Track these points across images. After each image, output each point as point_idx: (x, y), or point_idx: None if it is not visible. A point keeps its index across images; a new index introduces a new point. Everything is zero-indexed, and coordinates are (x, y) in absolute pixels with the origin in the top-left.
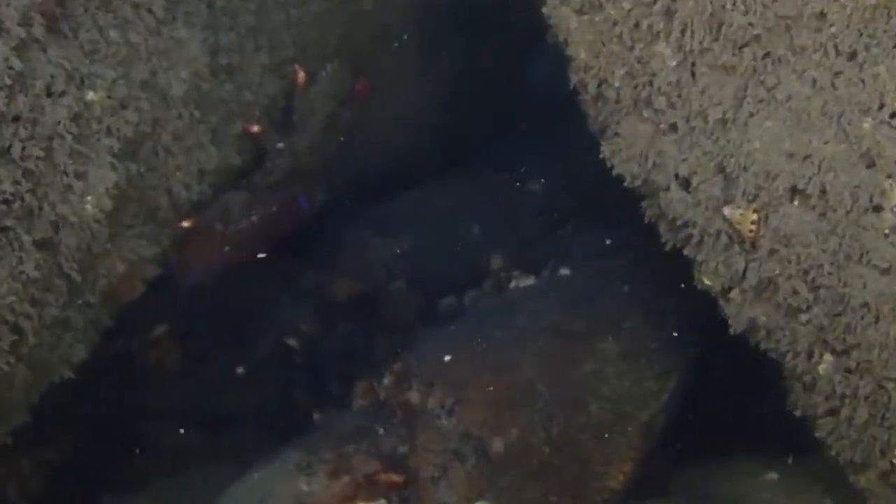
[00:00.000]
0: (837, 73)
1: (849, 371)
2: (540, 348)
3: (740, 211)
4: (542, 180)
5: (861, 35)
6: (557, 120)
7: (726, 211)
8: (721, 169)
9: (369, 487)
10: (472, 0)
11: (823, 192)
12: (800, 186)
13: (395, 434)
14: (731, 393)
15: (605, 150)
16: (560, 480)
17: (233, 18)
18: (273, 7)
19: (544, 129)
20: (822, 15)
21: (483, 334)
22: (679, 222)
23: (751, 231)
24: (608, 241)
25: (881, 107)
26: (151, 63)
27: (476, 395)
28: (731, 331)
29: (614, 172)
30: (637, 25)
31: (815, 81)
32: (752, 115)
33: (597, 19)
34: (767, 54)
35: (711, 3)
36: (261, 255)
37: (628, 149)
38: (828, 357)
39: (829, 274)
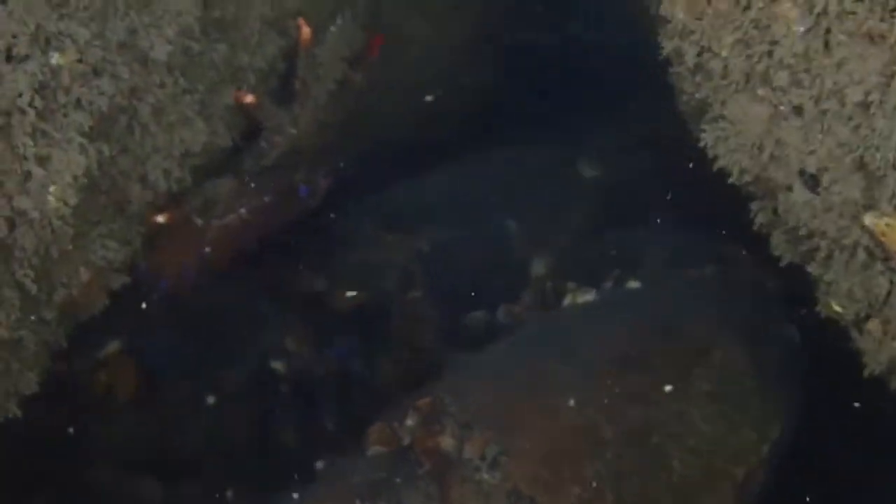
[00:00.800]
0: None
1: None
2: (606, 384)
3: (886, 220)
4: (601, 163)
5: None
6: (624, 86)
7: (867, 219)
8: (861, 165)
9: None
10: None
11: None
12: None
13: (423, 490)
14: (845, 447)
15: (707, 136)
16: None
17: None
18: None
19: (606, 97)
20: None
21: (533, 364)
22: (802, 232)
23: None
24: (688, 246)
25: None
26: (130, 18)
27: (526, 442)
28: (865, 372)
29: (716, 165)
30: None
31: None
32: None
33: None
34: None
35: None
36: (247, 256)
37: (737, 136)
38: None
39: None
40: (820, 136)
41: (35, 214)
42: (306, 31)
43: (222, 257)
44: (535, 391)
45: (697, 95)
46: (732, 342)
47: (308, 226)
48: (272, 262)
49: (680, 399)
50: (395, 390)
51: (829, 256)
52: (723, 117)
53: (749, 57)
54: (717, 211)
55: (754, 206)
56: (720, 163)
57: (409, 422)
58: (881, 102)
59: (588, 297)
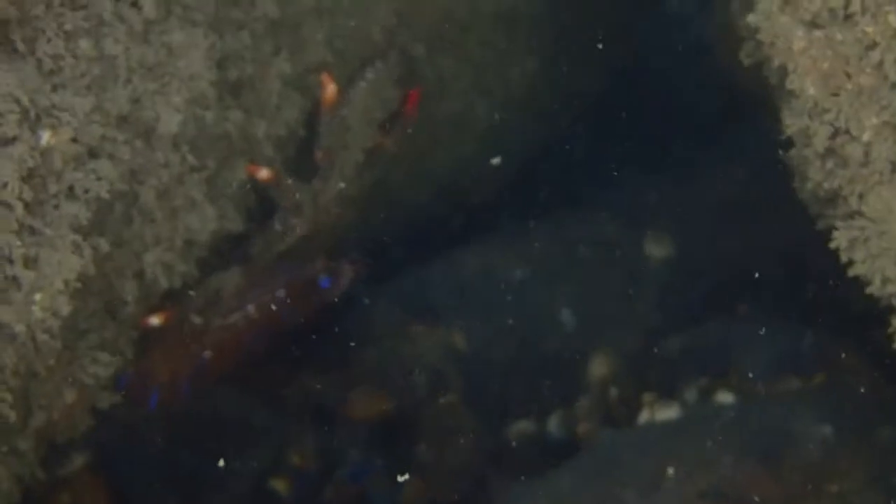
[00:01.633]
0: None
1: None
2: None
3: None
4: (673, 239)
5: None
6: (702, 142)
7: None
8: None
9: None
10: None
11: None
12: None
13: None
14: None
15: (840, 236)
16: None
17: (247, 8)
18: None
19: (681, 154)
20: None
21: (610, 494)
22: None
23: None
24: (790, 347)
25: None
26: (133, 84)
27: None
28: None
29: (851, 271)
30: None
31: None
32: None
33: (840, 38)
34: None
35: None
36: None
37: (880, 238)
38: None
39: None
40: None
41: (19, 328)
42: (331, 88)
43: (224, 363)
44: None
45: (826, 185)
46: (854, 469)
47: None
48: (274, 361)
49: None
50: None
51: None
52: (861, 214)
53: None
54: (824, 303)
55: (895, 321)
56: (857, 269)
57: None
58: None
59: (670, 412)
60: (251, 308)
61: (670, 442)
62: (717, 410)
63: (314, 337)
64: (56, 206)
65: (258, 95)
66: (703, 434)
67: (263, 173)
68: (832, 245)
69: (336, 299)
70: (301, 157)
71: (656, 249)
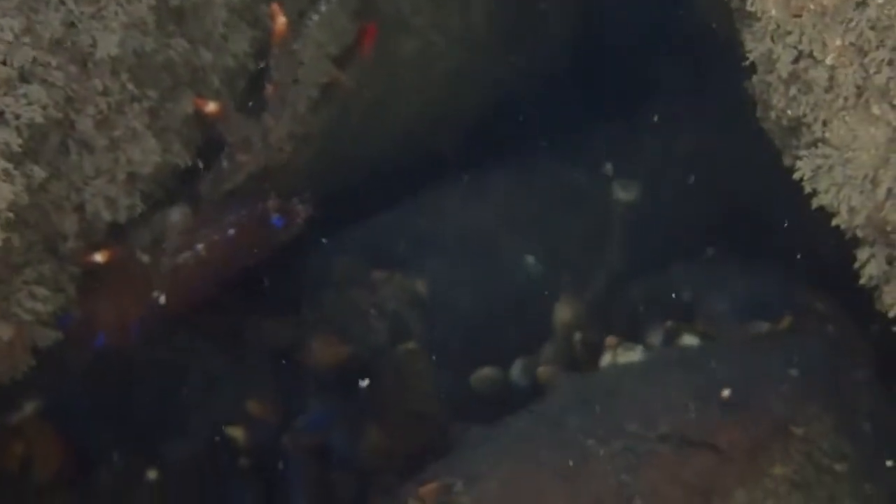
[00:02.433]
0: None
1: None
2: (660, 469)
3: None
4: (641, 183)
5: None
6: (670, 85)
7: None
8: None
9: None
10: None
11: None
12: None
13: None
14: None
15: (804, 165)
16: None
17: None
18: None
19: (648, 98)
20: None
21: (566, 443)
22: None
23: None
24: (756, 291)
25: None
26: (67, 7)
27: None
28: None
29: (815, 202)
30: None
31: None
32: None
33: None
34: None
35: None
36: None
37: (845, 166)
38: None
39: None
40: None
41: None
42: (281, 20)
43: (174, 304)
44: (571, 479)
45: (790, 112)
46: (818, 418)
47: (274, 261)
48: (229, 306)
49: (753, 489)
50: (385, 470)
51: None
52: (825, 141)
53: (863, 66)
54: (792, 246)
55: (862, 254)
56: (822, 200)
57: None
58: None
59: (633, 355)
60: (201, 247)
61: (632, 385)
62: (682, 354)
63: (269, 281)
64: None
65: (202, 24)
66: (665, 378)
67: (210, 107)
68: (796, 175)
69: (289, 239)
70: (252, 92)
71: (623, 193)
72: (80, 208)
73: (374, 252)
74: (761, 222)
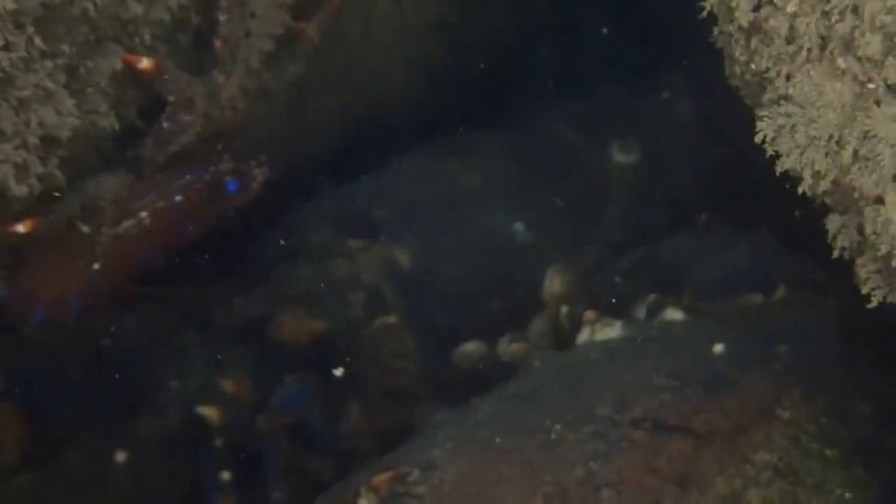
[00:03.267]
0: None
1: None
2: (632, 459)
3: None
4: (638, 145)
5: None
6: (670, 43)
7: None
8: None
9: None
10: None
11: None
12: None
13: None
14: None
15: (765, 126)
16: None
17: None
18: None
19: (645, 57)
20: None
21: (532, 429)
22: None
23: None
24: (747, 263)
25: None
26: None
27: None
28: None
29: (780, 166)
30: None
31: None
32: None
33: None
34: None
35: None
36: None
37: (808, 126)
38: None
39: None
40: None
41: None
42: None
43: (117, 276)
44: (534, 468)
45: (753, 66)
46: (806, 400)
47: (244, 231)
48: (197, 279)
49: (733, 477)
50: (364, 451)
51: None
52: (787, 98)
53: (826, 14)
54: (788, 216)
55: (831, 223)
56: (784, 164)
57: (363, 502)
58: None
59: (611, 331)
60: (144, 214)
61: (606, 364)
62: (663, 330)
63: (239, 252)
64: None
65: None
66: (643, 356)
67: (144, 63)
68: (757, 137)
69: (245, 204)
70: (197, 46)
71: (620, 156)
72: None
73: (350, 220)
74: (762, 188)
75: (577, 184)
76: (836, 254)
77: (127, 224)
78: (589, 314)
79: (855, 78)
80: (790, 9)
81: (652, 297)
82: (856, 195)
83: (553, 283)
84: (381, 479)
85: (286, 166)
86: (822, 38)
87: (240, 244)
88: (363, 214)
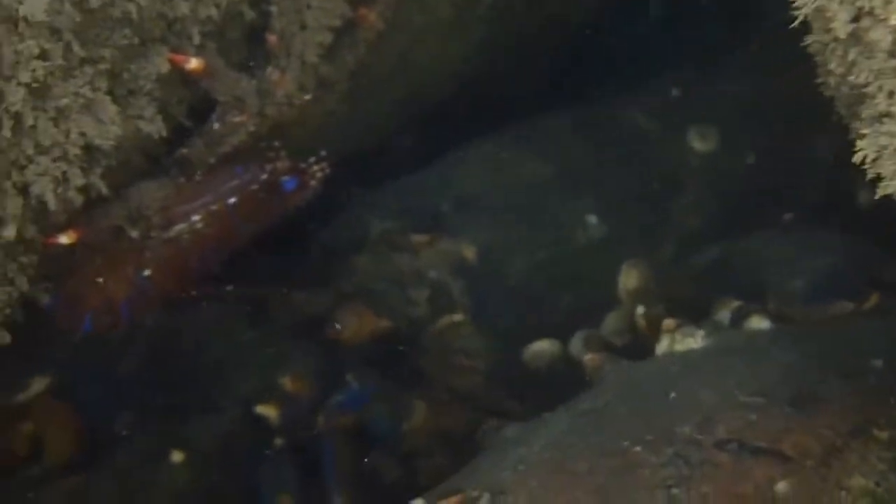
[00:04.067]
0: None
1: None
2: (716, 482)
3: None
4: (720, 132)
5: None
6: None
7: None
8: None
9: None
10: None
11: None
12: None
13: None
14: None
15: (866, 145)
16: None
17: None
18: None
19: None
20: None
21: (609, 447)
22: None
23: None
24: (838, 265)
25: None
26: None
27: None
28: None
29: (880, 191)
30: None
31: None
32: None
33: None
34: None
35: None
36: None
37: None
38: None
39: None
40: None
41: None
42: None
43: (169, 282)
44: (611, 494)
45: (851, 79)
46: None
47: (304, 227)
48: (256, 276)
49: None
50: (430, 452)
51: None
52: (890, 116)
53: None
54: (885, 216)
55: None
56: (887, 189)
57: None
58: None
59: (692, 342)
60: (197, 219)
61: (688, 379)
62: (748, 340)
63: (299, 248)
64: None
65: None
66: (727, 370)
67: (192, 63)
68: (856, 157)
69: (304, 203)
70: (250, 42)
71: (699, 143)
72: (23, 190)
73: (413, 213)
74: (851, 186)
75: (652, 173)
76: None
77: (178, 228)
78: (668, 322)
79: None
80: (894, 21)
81: (736, 303)
82: None
83: (629, 277)
84: (448, 503)
85: (346, 157)
86: None
87: (299, 240)
88: (427, 207)
